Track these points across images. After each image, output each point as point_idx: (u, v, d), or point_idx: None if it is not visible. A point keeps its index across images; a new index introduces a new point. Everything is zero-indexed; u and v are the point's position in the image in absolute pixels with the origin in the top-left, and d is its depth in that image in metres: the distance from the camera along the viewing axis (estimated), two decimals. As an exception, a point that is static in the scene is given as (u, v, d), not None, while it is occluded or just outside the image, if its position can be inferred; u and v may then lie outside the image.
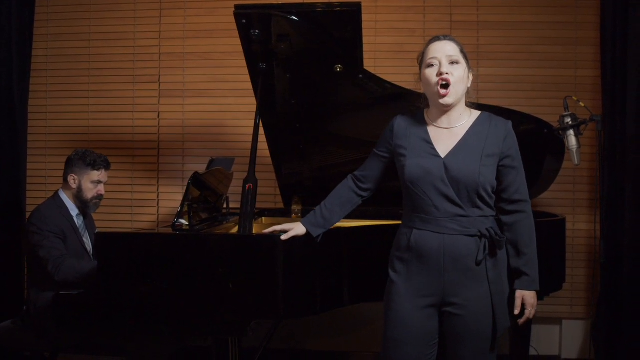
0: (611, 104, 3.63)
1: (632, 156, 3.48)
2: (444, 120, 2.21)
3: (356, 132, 3.17)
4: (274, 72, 2.78)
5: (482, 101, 3.51)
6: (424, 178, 2.13)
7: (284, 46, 2.59)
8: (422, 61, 2.22)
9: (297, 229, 2.34)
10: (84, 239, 3.09)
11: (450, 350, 2.20)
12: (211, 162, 3.08)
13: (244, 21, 2.48)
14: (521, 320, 2.24)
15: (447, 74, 2.11)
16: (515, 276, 2.22)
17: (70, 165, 3.08)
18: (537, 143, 3.24)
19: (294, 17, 2.50)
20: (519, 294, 2.21)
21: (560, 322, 3.98)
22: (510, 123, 2.22)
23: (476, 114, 2.24)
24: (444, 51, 2.14)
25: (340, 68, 2.75)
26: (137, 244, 2.39)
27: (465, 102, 2.24)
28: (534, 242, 2.23)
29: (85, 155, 3.07)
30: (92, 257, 3.09)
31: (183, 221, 2.63)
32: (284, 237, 2.31)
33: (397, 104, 2.89)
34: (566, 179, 3.81)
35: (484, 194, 2.13)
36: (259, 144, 4.00)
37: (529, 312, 2.23)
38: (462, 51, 2.18)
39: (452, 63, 2.14)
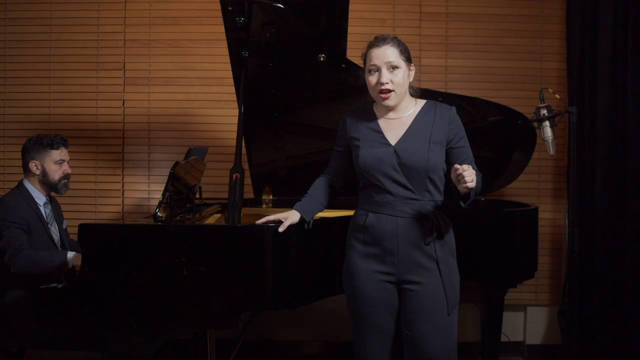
0: (579, 96, 3.71)
1: (603, 147, 3.58)
2: (391, 114, 2.36)
3: (330, 122, 3.16)
4: (256, 61, 2.73)
5: (450, 91, 3.55)
6: (376, 166, 2.27)
7: (269, 34, 2.56)
8: (364, 64, 2.33)
9: (292, 217, 2.38)
10: (52, 228, 3.00)
11: (408, 326, 2.27)
12: (189, 152, 3.01)
13: (230, 8, 2.43)
14: (458, 172, 2.06)
15: (387, 83, 2.24)
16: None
17: (27, 153, 2.99)
18: (508, 133, 3.31)
19: (280, 5, 2.47)
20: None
21: (524, 308, 4.07)
22: (454, 109, 2.35)
23: (421, 102, 2.38)
24: (383, 58, 2.25)
25: (323, 58, 2.75)
26: (124, 236, 2.32)
27: (409, 92, 2.36)
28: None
29: (40, 138, 2.99)
30: (58, 247, 3.01)
31: (159, 214, 2.56)
32: (280, 228, 2.33)
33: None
34: (531, 169, 3.88)
35: (434, 177, 2.27)
36: (227, 133, 4.05)
37: (466, 171, 2.05)
38: (402, 52, 2.28)
39: (392, 68, 2.25)
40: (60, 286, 2.27)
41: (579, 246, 2.99)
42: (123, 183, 4.08)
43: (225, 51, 3.94)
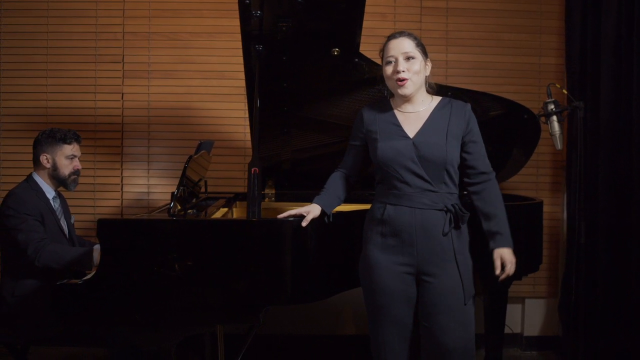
0: (580, 90, 3.75)
1: (606, 141, 3.63)
2: (408, 107, 2.40)
3: (340, 117, 3.17)
4: (270, 55, 2.71)
5: (451, 86, 3.57)
6: (395, 158, 2.31)
7: (285, 28, 2.55)
8: (382, 57, 2.40)
9: (314, 211, 2.39)
10: (61, 222, 2.98)
11: (426, 318, 2.31)
12: (199, 146, 3.00)
13: (247, 1, 2.41)
14: (502, 277, 2.33)
15: (403, 71, 2.31)
16: (489, 238, 2.35)
17: (39, 145, 2.96)
18: (511, 128, 3.34)
19: (297, -2, 2.47)
20: (497, 253, 2.33)
21: (522, 301, 4.12)
22: (469, 105, 2.41)
23: (437, 99, 2.45)
24: (400, 48, 2.33)
25: (337, 52, 2.77)
26: (145, 230, 2.30)
27: (425, 89, 2.43)
28: (501, 204, 2.38)
29: (54, 132, 2.97)
30: (69, 241, 2.99)
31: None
32: (304, 222, 2.34)
33: (382, 86, 2.93)
34: (530, 162, 3.87)
35: (450, 170, 2.32)
36: (228, 127, 4.03)
37: (509, 269, 2.32)
38: (418, 45, 2.36)
39: (408, 59, 2.32)
40: (80, 282, 2.25)
41: (584, 239, 3.03)
42: (122, 177, 4.05)
43: (226, 44, 3.98)
